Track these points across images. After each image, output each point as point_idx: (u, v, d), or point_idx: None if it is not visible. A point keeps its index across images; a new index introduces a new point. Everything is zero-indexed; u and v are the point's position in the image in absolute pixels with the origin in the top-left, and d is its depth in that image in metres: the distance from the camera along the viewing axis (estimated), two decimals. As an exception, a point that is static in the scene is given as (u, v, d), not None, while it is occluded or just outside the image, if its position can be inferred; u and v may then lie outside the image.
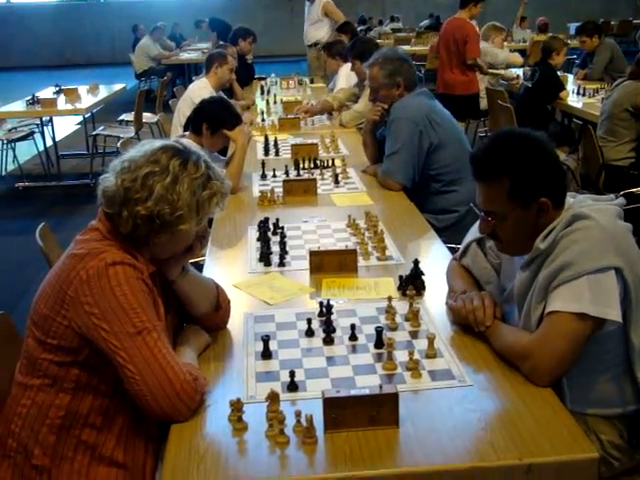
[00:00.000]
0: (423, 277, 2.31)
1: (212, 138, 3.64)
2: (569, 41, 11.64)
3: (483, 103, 7.13)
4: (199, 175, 1.81)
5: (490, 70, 7.44)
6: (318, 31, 8.73)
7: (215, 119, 3.62)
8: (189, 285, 1.98)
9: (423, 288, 2.31)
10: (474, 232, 2.20)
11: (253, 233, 2.90)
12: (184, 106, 4.98)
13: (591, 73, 7.23)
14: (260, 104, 6.25)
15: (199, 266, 2.60)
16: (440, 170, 3.47)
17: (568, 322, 1.77)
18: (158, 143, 1.86)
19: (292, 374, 1.77)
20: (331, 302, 2.10)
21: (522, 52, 11.58)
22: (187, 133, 3.75)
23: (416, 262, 2.32)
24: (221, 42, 7.41)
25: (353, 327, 2.02)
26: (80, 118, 8.18)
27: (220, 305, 2.08)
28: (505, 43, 8.69)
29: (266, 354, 1.94)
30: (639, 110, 4.70)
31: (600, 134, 4.91)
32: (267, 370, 1.89)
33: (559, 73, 6.51)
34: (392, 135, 3.52)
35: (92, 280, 1.68)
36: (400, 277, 2.33)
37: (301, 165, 3.82)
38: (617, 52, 7.23)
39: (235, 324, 2.14)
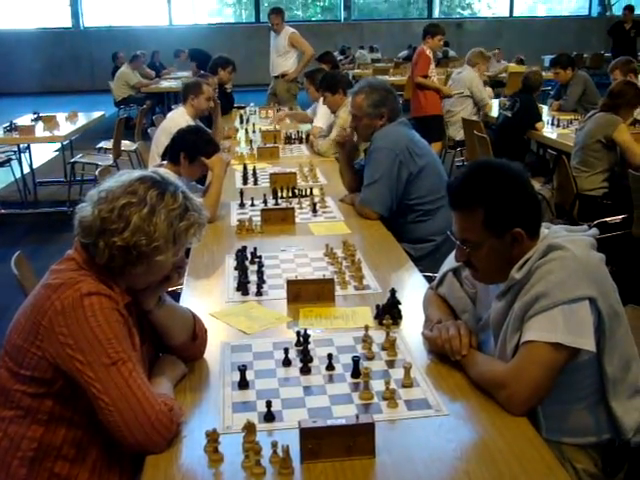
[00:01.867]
0: (400, 306, 2.33)
1: (190, 167, 3.64)
2: (544, 73, 11.88)
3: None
4: (176, 206, 1.81)
5: (454, 92, 7.58)
6: (285, 62, 8.76)
7: (192, 148, 3.63)
8: (165, 315, 1.97)
9: (400, 317, 2.32)
10: (450, 261, 2.23)
11: (231, 262, 2.90)
12: (162, 135, 4.99)
13: (565, 104, 7.35)
14: (240, 133, 6.28)
15: (176, 295, 2.60)
16: (418, 200, 3.50)
17: (543, 352, 1.79)
18: (136, 174, 1.86)
19: (269, 404, 1.76)
20: (308, 331, 2.10)
21: (500, 83, 11.80)
22: (165, 162, 3.76)
23: (393, 291, 2.34)
24: (202, 72, 7.45)
25: (330, 356, 2.02)
26: (58, 145, 8.14)
27: (197, 335, 2.07)
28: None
29: (243, 384, 1.93)
30: (611, 141, 4.79)
31: (574, 164, 4.99)
32: (244, 400, 1.88)
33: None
34: (372, 164, 3.55)
35: (67, 311, 1.67)
36: (377, 306, 2.35)
37: (279, 194, 3.84)
38: (590, 84, 7.36)
39: (212, 354, 2.13)
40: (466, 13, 21.37)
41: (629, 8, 14.15)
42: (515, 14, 20.45)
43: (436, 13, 20.82)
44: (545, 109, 7.50)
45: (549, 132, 6.42)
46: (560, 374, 1.83)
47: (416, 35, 19.16)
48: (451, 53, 15.56)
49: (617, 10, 19.73)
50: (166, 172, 3.10)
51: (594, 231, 2.04)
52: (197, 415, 1.83)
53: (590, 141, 4.87)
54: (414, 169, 3.50)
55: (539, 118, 6.41)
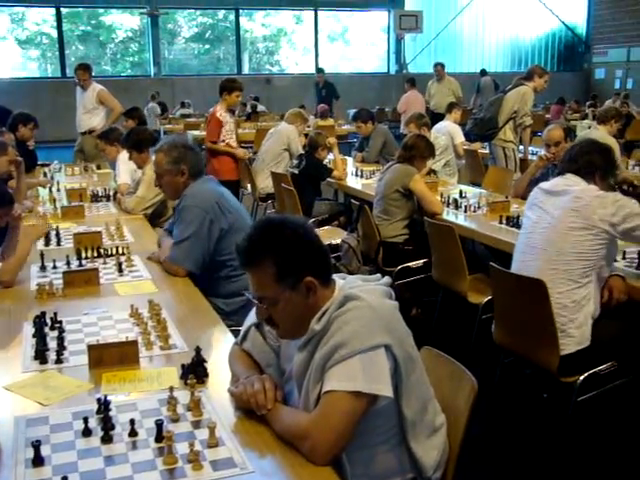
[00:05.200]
0: (206, 364, 2.31)
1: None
2: (348, 126, 12.50)
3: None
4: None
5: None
6: (93, 119, 8.59)
7: None
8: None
9: (206, 375, 2.29)
10: (253, 316, 2.24)
11: (29, 329, 2.74)
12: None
13: (367, 156, 7.75)
14: (42, 192, 6.01)
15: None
16: (230, 255, 3.51)
17: (343, 400, 1.84)
18: None
19: (65, 480, 1.67)
20: (110, 397, 2.03)
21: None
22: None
23: (197, 349, 2.31)
24: (1, 129, 7.08)
25: (132, 422, 1.95)
26: None
27: None
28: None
29: (37, 461, 1.81)
30: (408, 190, 5.09)
31: (376, 213, 5.24)
32: (38, 478, 1.76)
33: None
34: (182, 222, 3.53)
35: None
36: (182, 366, 2.31)
37: (83, 254, 3.71)
38: (389, 137, 7.82)
39: (4, 430, 1.99)
40: (275, 69, 22.06)
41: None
42: (320, 71, 21.40)
43: (246, 69, 21.33)
44: (350, 160, 7.87)
45: (353, 183, 6.73)
46: (361, 420, 1.88)
47: (226, 90, 19.36)
48: (260, 107, 15.95)
49: (412, 68, 21.31)
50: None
51: (386, 280, 2.14)
52: (-15, 500, 1.70)
53: (389, 191, 5.15)
54: (225, 225, 3.53)
55: (326, 171, 6.75)
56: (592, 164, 3.38)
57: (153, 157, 3.82)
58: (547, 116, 15.36)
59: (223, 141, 7.21)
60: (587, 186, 3.32)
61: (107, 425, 1.95)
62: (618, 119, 6.68)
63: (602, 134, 6.17)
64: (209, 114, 7.57)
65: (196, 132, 12.47)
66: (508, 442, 3.67)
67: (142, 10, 19.46)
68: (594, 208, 3.18)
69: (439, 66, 13.28)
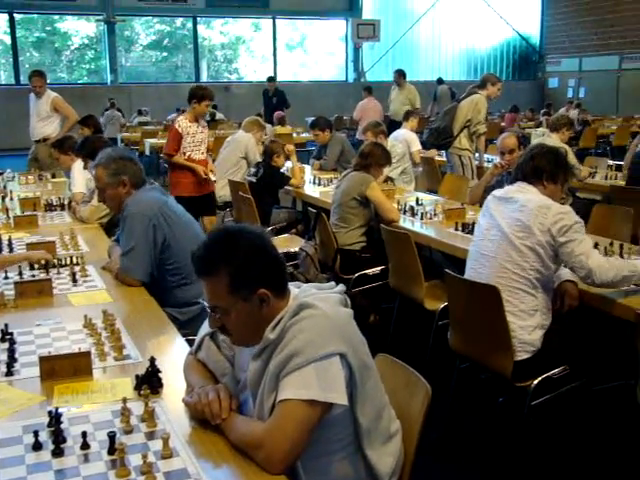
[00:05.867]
0: (160, 374, 2.29)
1: None
2: (307, 134, 12.52)
3: None
4: None
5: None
6: (47, 127, 8.48)
7: None
8: None
9: (160, 386, 2.27)
10: (207, 326, 2.23)
11: (-21, 342, 2.69)
12: None
13: (325, 164, 7.77)
14: (-6, 201, 5.90)
15: None
16: (177, 264, 3.49)
17: (298, 409, 1.84)
18: None
19: (13, 495, 1.64)
20: (62, 410, 2.00)
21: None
22: None
23: (152, 359, 2.29)
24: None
25: (85, 435, 1.92)
26: None
27: None
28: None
29: (-15, 476, 1.78)
30: (365, 198, 5.11)
31: (333, 221, 5.26)
32: (-14, 495, 1.73)
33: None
34: (127, 232, 3.50)
35: None
36: (136, 376, 2.29)
37: (36, 265, 3.65)
38: (347, 145, 7.85)
39: (-49, 446, 1.95)
40: (233, 77, 22.02)
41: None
42: (279, 79, 21.41)
43: (204, 77, 21.25)
44: (308, 168, 7.88)
45: (311, 191, 6.75)
46: (316, 429, 1.88)
47: (184, 98, 19.34)
48: (219, 115, 15.90)
49: (370, 76, 21.48)
50: None
51: (341, 287, 2.15)
52: None
53: (346, 199, 5.17)
54: (169, 233, 3.50)
55: (284, 179, 6.78)
56: (537, 168, 3.42)
57: (93, 172, 3.76)
58: (502, 124, 15.60)
59: (184, 153, 6.63)
60: (533, 196, 3.34)
61: (58, 438, 1.92)
62: (570, 127, 6.84)
63: (555, 142, 6.27)
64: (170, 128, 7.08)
65: (153, 140, 12.39)
66: (465, 446, 3.71)
67: (98, 17, 19.27)
68: (535, 218, 3.22)
69: (397, 73, 13.34)
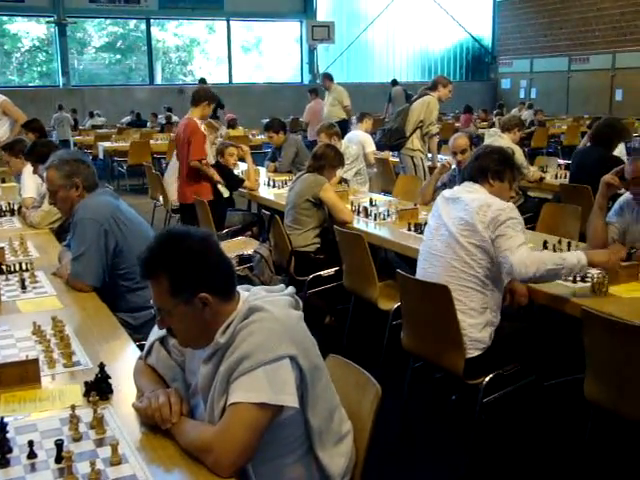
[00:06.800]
0: (110, 380, 2.27)
1: None
2: (262, 136, 12.49)
3: None
4: None
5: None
6: None
7: None
8: None
9: (110, 392, 2.25)
10: (157, 330, 2.23)
11: None
12: None
13: (280, 166, 7.77)
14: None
15: None
16: (129, 269, 3.45)
17: (248, 412, 1.84)
18: None
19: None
20: (8, 419, 1.97)
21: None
22: None
23: (101, 365, 2.27)
24: None
25: (31, 443, 1.90)
26: None
27: None
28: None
29: None
30: (319, 200, 5.13)
31: (287, 223, 5.26)
32: None
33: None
34: (77, 237, 3.45)
35: None
36: (86, 383, 2.26)
37: (-16, 272, 3.58)
38: (301, 147, 7.86)
39: None
40: (188, 80, 21.86)
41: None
42: (235, 81, 21.39)
43: (158, 80, 21.08)
44: (262, 170, 7.87)
45: (266, 193, 6.74)
46: (267, 432, 1.88)
47: (139, 101, 19.28)
48: (174, 118, 15.78)
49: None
50: None
51: (290, 290, 2.15)
52: None
53: (300, 200, 5.18)
54: (121, 238, 3.46)
55: (238, 181, 6.78)
56: (482, 167, 3.47)
57: (44, 174, 3.71)
58: (457, 124, 15.79)
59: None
60: (479, 195, 3.37)
61: (4, 448, 1.89)
62: (521, 127, 6.97)
63: (506, 142, 6.39)
64: (183, 127, 6.40)
65: (107, 144, 12.24)
66: (418, 445, 3.75)
67: (49, 18, 18.97)
68: (477, 216, 3.25)
69: (324, 77, 13.27)
